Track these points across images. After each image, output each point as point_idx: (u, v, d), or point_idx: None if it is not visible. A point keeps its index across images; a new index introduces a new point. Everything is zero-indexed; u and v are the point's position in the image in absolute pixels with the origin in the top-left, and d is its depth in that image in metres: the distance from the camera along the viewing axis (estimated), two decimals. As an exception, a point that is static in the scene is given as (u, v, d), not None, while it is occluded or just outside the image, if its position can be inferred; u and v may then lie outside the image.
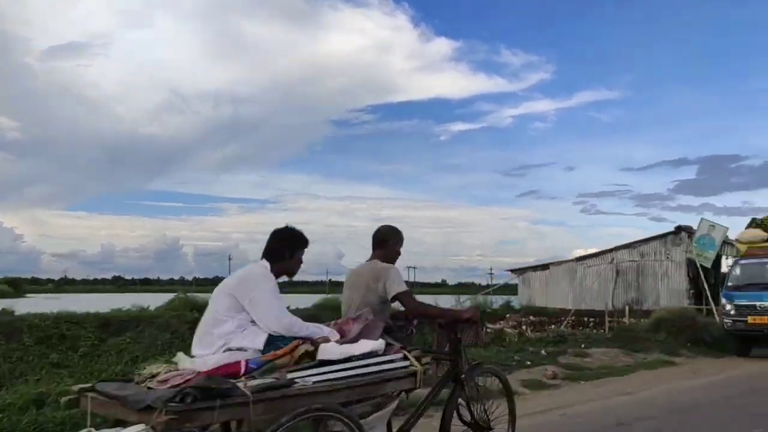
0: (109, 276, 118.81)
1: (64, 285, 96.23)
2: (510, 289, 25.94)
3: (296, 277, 3.76)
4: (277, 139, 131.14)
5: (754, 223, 16.04)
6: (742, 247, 15.65)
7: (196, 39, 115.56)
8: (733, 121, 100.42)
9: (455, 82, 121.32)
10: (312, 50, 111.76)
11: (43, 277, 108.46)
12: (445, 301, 24.47)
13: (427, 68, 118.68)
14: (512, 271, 24.96)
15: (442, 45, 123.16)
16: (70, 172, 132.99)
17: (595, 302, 22.54)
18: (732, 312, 13.83)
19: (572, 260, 23.24)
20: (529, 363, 10.58)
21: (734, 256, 15.63)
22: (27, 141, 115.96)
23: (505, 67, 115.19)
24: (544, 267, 24.21)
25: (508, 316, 23.80)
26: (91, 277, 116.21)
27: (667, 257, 21.21)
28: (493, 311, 24.63)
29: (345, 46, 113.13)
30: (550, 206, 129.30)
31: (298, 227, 3.58)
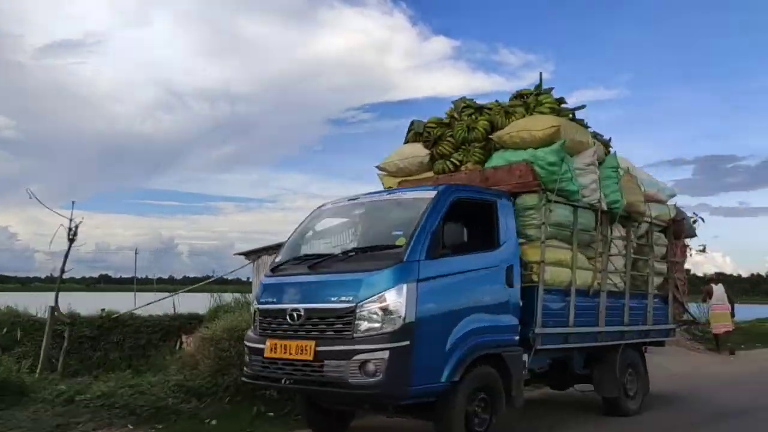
0: (96, 275, 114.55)
1: (34, 283, 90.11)
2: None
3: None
4: (275, 138, 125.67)
5: (412, 132, 7.30)
6: (390, 182, 7.19)
7: (193, 37, 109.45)
8: (730, 122, 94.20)
9: (454, 81, 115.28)
10: (310, 49, 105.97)
11: (34, 276, 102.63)
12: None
13: (425, 67, 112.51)
14: (245, 254, 16.68)
15: (441, 44, 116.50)
16: (66, 170, 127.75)
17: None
18: (257, 328, 5.51)
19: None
20: None
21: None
22: (22, 139, 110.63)
23: (503, 66, 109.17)
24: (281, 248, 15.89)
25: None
26: (80, 276, 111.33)
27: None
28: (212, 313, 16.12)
29: (343, 45, 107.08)
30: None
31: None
